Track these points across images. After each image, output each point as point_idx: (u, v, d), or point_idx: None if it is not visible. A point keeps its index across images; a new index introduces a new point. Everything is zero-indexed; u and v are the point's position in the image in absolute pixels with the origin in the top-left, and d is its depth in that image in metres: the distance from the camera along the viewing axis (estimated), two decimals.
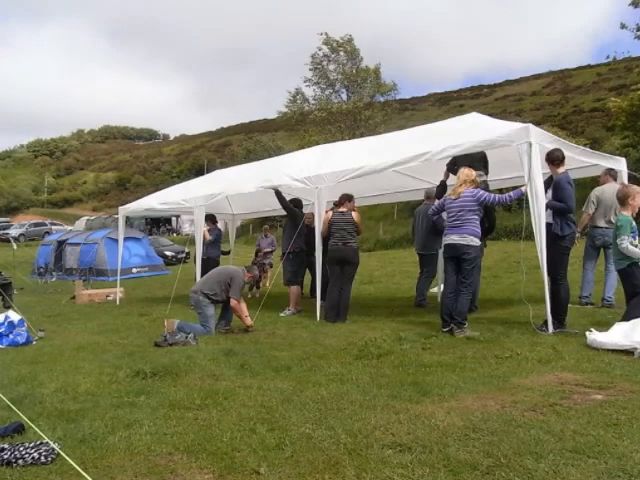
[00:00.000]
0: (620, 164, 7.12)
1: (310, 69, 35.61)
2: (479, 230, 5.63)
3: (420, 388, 3.61)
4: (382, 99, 36.33)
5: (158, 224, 42.14)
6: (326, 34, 34.90)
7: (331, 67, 35.75)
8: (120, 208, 10.84)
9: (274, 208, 11.22)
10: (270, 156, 12.39)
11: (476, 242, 5.57)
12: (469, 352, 4.62)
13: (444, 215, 5.94)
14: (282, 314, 7.55)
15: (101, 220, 35.04)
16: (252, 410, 3.32)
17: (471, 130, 6.27)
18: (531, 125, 5.43)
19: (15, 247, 16.53)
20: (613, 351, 4.32)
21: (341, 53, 35.30)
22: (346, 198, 7.04)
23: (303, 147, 18.88)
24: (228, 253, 11.19)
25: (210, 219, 9.66)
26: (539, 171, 5.28)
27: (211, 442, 2.83)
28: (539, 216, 5.22)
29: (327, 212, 7.09)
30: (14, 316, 6.12)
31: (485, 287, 9.51)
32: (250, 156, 37.74)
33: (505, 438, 2.69)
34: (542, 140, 5.54)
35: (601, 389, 3.41)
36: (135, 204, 11.08)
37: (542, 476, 2.29)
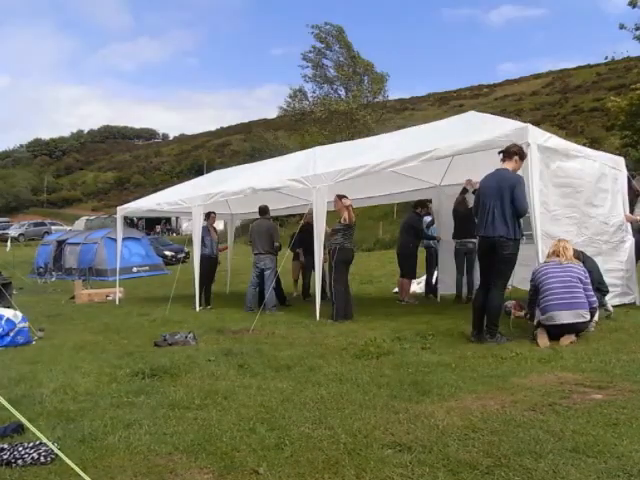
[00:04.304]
0: (619, 164, 7.11)
1: (306, 66, 35.69)
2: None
3: (420, 388, 3.60)
4: (381, 98, 36.29)
5: (155, 224, 41.86)
6: (317, 27, 34.97)
7: (328, 62, 35.76)
8: (119, 208, 10.82)
9: (273, 208, 11.19)
10: (274, 155, 12.41)
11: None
12: (469, 352, 4.61)
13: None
14: None
15: (101, 220, 34.96)
16: (252, 410, 3.32)
17: (471, 130, 6.25)
18: (530, 125, 5.40)
19: (8, 249, 16.44)
20: None
21: (335, 47, 35.28)
22: (335, 199, 6.97)
23: (305, 146, 18.87)
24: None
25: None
26: (537, 171, 5.28)
27: (211, 442, 2.83)
28: (536, 217, 5.19)
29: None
30: (9, 313, 6.06)
31: None
32: (254, 154, 37.67)
33: (505, 438, 2.69)
34: (541, 140, 5.50)
35: (600, 389, 3.41)
36: (134, 204, 11.07)
37: (542, 476, 2.29)
